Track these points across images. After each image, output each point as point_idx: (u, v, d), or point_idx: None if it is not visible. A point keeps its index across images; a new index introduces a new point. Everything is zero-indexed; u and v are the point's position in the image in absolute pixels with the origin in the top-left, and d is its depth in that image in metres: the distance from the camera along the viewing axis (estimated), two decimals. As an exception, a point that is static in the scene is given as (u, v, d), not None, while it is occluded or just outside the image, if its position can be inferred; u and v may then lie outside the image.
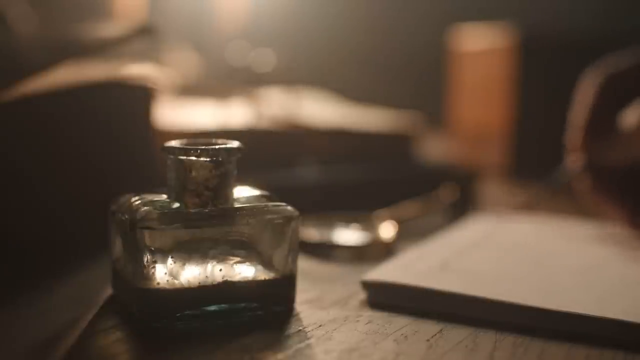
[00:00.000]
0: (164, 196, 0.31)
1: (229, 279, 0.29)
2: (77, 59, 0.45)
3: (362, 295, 0.33)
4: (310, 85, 0.98)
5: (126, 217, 0.29)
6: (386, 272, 0.34)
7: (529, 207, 0.53)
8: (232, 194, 0.31)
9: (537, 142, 0.77)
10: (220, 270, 0.29)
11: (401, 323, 0.30)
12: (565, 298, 0.32)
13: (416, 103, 1.07)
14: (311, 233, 0.43)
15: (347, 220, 0.46)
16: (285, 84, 0.77)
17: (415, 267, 0.35)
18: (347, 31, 1.58)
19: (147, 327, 0.28)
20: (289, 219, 0.30)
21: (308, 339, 0.28)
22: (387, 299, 0.32)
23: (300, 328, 0.29)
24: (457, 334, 0.29)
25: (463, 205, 0.54)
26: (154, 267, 0.28)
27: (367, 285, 0.33)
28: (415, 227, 0.47)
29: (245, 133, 0.60)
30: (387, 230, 0.44)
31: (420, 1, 1.53)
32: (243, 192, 0.32)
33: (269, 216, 0.30)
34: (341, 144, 0.65)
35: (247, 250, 0.30)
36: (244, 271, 0.30)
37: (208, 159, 0.30)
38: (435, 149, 0.87)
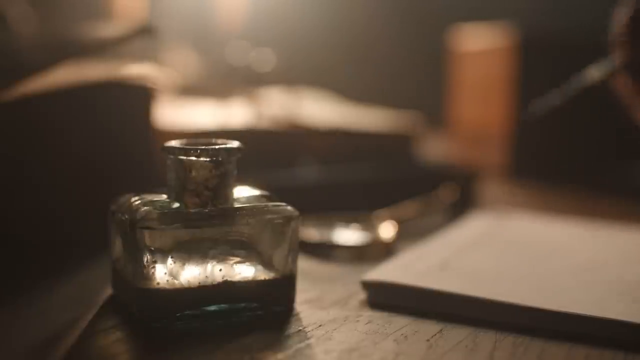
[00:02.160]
0: (164, 196, 0.31)
1: (229, 279, 0.29)
2: (77, 59, 0.45)
3: (362, 295, 0.33)
4: (310, 85, 0.98)
5: (126, 217, 0.29)
6: (386, 272, 0.34)
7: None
8: (232, 194, 0.31)
9: (537, 142, 0.77)
10: (220, 270, 0.29)
11: (401, 323, 0.30)
12: (565, 298, 0.32)
13: (416, 103, 1.07)
14: (311, 233, 0.43)
15: (347, 220, 0.46)
16: (285, 84, 0.77)
17: (415, 267, 0.35)
18: (347, 31, 1.58)
19: (147, 327, 0.28)
20: (289, 219, 0.30)
21: (308, 339, 0.28)
22: (387, 299, 0.32)
23: (300, 328, 0.29)
24: (457, 334, 0.29)
25: (463, 205, 0.54)
26: (153, 267, 0.28)
27: (367, 285, 0.33)
28: (415, 227, 0.47)
29: (245, 133, 0.60)
30: (387, 230, 0.44)
31: (420, 1, 1.53)
32: (243, 192, 0.32)
33: (269, 216, 0.30)
34: (341, 144, 0.65)
35: (247, 250, 0.30)
36: (244, 271, 0.30)
37: (208, 159, 0.29)
38: (435, 149, 0.87)
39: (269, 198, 0.32)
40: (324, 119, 0.69)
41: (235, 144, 0.30)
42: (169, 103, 0.68)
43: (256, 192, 0.32)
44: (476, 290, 0.32)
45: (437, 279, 0.34)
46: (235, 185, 0.31)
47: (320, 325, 0.29)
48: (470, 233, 0.44)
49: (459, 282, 0.33)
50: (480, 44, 0.89)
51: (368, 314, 0.31)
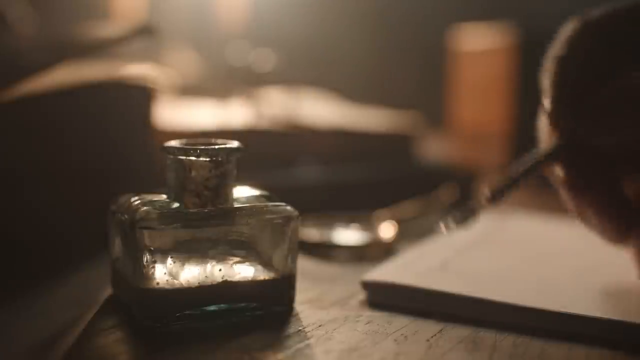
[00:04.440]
0: (164, 196, 0.31)
1: (228, 279, 0.29)
2: (77, 59, 0.45)
3: (362, 295, 0.33)
4: (310, 85, 0.98)
5: (126, 217, 0.29)
6: (386, 272, 0.34)
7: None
8: (231, 194, 0.31)
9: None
10: (220, 270, 0.29)
11: (401, 323, 0.30)
12: (565, 298, 0.32)
13: (416, 103, 1.07)
14: (311, 233, 0.43)
15: (347, 220, 0.46)
16: (285, 84, 0.77)
17: (415, 267, 0.35)
18: (347, 31, 1.58)
19: (147, 327, 0.28)
20: (288, 219, 0.30)
21: (308, 339, 0.28)
22: (387, 299, 0.32)
23: (300, 328, 0.29)
24: (457, 334, 0.29)
25: (463, 205, 0.54)
26: (153, 267, 0.28)
27: (367, 285, 0.33)
28: (415, 227, 0.47)
29: (245, 133, 0.60)
30: (387, 230, 0.44)
31: (420, 1, 1.53)
32: (243, 192, 0.32)
33: (269, 216, 0.30)
34: (341, 144, 0.65)
35: (247, 250, 0.30)
36: (244, 271, 0.30)
37: (208, 159, 0.29)
38: (435, 149, 0.87)
39: (268, 198, 0.32)
40: (324, 119, 0.69)
41: (235, 144, 0.30)
42: (169, 103, 0.68)
43: (256, 192, 0.32)
44: (476, 291, 0.32)
45: (437, 279, 0.34)
46: (235, 185, 0.31)
47: (320, 325, 0.29)
48: (470, 233, 0.44)
49: (459, 282, 0.33)
50: (480, 44, 0.89)
51: (368, 314, 0.31)
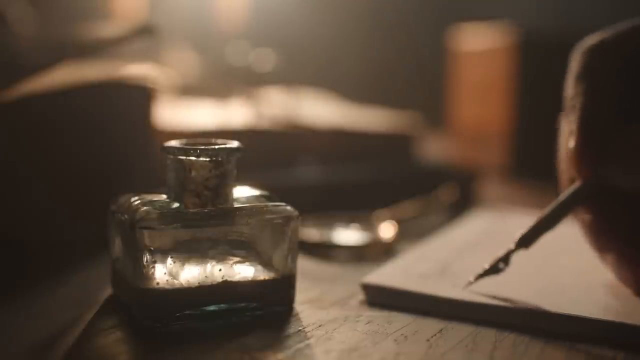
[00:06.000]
0: (164, 196, 0.31)
1: (228, 279, 0.29)
2: (77, 59, 0.45)
3: (362, 295, 0.33)
4: (310, 85, 0.98)
5: (126, 217, 0.29)
6: (386, 275, 0.34)
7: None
8: (231, 194, 0.31)
9: (537, 142, 0.77)
10: (220, 270, 0.29)
11: (401, 323, 0.30)
12: (566, 300, 0.32)
13: (416, 103, 1.07)
14: (311, 233, 0.43)
15: (347, 220, 0.46)
16: (285, 84, 0.77)
17: (415, 270, 0.35)
18: (347, 31, 1.58)
19: (147, 327, 0.28)
20: (288, 218, 0.30)
21: (308, 339, 0.28)
22: (386, 301, 0.32)
23: (300, 328, 0.29)
24: (457, 334, 0.29)
25: (463, 205, 0.54)
26: (153, 267, 0.28)
27: (367, 288, 0.33)
28: (415, 227, 0.47)
29: (245, 133, 0.60)
30: (387, 230, 0.44)
31: (420, 1, 1.53)
32: (243, 192, 0.32)
33: (269, 216, 0.30)
34: (341, 144, 0.65)
35: (247, 250, 0.30)
36: (244, 271, 0.30)
37: (208, 159, 0.30)
38: (435, 149, 0.87)
39: (268, 198, 0.32)
40: (324, 119, 0.69)
41: (235, 144, 0.30)
42: (169, 103, 0.68)
43: (256, 192, 0.32)
44: (476, 294, 0.32)
45: (437, 283, 0.33)
46: (235, 185, 0.31)
47: (320, 325, 0.29)
48: (470, 233, 0.44)
49: (459, 286, 0.33)
50: (480, 44, 0.89)
51: (368, 314, 0.31)
